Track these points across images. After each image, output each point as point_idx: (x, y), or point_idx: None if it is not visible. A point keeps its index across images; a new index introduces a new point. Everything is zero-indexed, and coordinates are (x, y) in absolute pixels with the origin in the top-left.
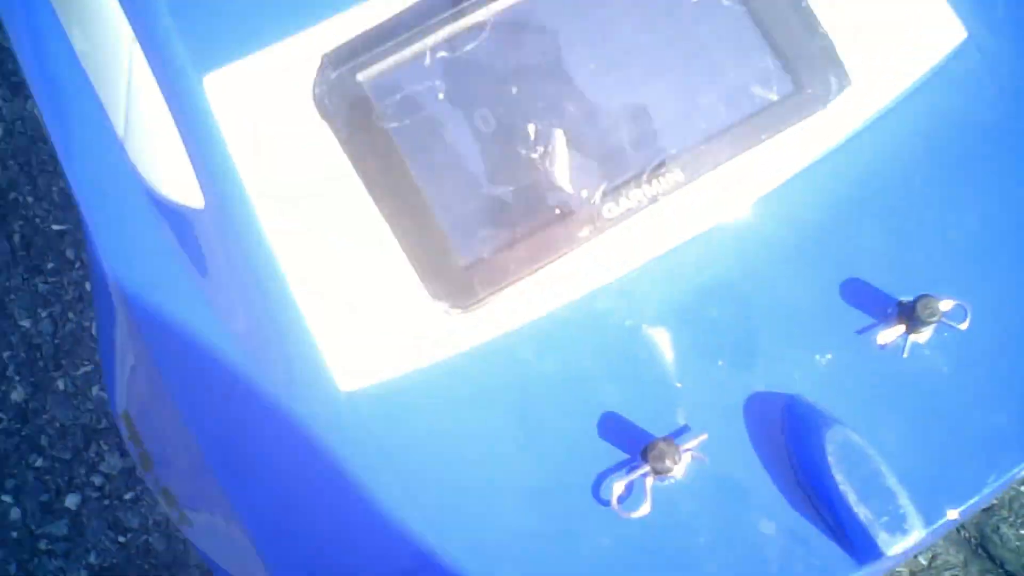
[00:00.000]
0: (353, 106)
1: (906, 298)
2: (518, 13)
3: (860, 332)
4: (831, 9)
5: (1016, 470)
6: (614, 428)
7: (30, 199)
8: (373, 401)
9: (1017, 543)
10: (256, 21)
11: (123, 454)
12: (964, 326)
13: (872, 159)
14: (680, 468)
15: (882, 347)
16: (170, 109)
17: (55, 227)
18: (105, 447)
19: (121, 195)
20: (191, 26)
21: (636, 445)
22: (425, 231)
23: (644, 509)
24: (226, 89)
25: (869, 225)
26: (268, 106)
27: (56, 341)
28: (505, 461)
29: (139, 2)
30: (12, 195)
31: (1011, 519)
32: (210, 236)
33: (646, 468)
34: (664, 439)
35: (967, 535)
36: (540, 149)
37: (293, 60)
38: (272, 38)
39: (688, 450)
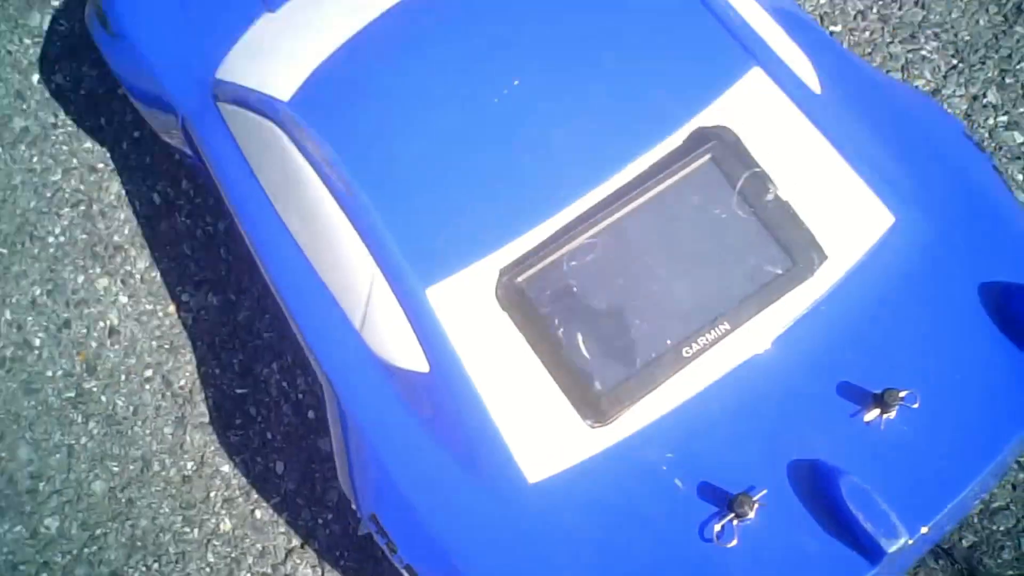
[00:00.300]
0: (519, 299)
1: (877, 391)
2: (615, 234)
3: (852, 415)
4: (802, 206)
5: (964, 492)
6: (708, 489)
7: (217, 370)
8: (549, 489)
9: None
10: (458, 250)
11: None
12: (916, 405)
13: (846, 305)
14: (752, 512)
15: (867, 423)
16: (404, 309)
17: (238, 391)
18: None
19: (360, 366)
20: (418, 259)
21: (723, 499)
22: (572, 375)
23: (733, 541)
24: (442, 295)
25: (849, 347)
26: (469, 302)
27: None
28: (644, 514)
29: (381, 248)
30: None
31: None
32: (433, 390)
33: (732, 515)
34: (743, 494)
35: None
36: (643, 317)
37: (482, 273)
38: (470, 260)
39: (756, 500)
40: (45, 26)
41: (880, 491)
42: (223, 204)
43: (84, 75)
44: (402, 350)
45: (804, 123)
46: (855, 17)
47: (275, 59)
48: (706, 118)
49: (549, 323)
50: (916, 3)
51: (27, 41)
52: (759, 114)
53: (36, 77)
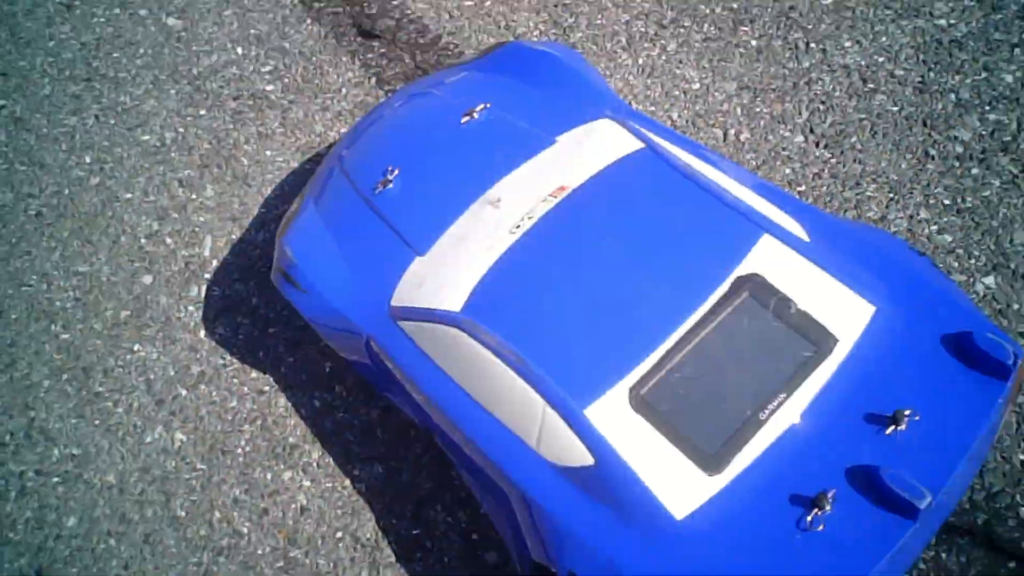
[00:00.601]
0: (645, 404)
1: (890, 413)
2: (699, 350)
3: (877, 431)
4: (815, 311)
5: (958, 469)
6: (793, 498)
7: (393, 520)
8: (690, 521)
9: None
10: (601, 381)
11: None
12: (917, 418)
13: (856, 364)
14: (828, 505)
15: (888, 435)
16: (571, 426)
17: (414, 532)
18: None
19: (541, 472)
20: (575, 392)
21: (807, 501)
22: (690, 445)
23: (821, 526)
24: (595, 412)
25: (864, 389)
26: (613, 412)
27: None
28: (755, 521)
29: (548, 392)
30: None
31: None
32: (600, 475)
33: (816, 509)
34: (820, 493)
35: None
36: (729, 399)
37: (618, 392)
38: (609, 386)
39: (829, 497)
40: (202, 294)
41: (908, 475)
42: (375, 396)
43: (239, 324)
44: (572, 453)
45: (803, 262)
46: (812, 177)
47: (440, 284)
48: (741, 270)
49: (668, 415)
50: (855, 160)
51: (191, 308)
52: (774, 262)
53: (203, 332)
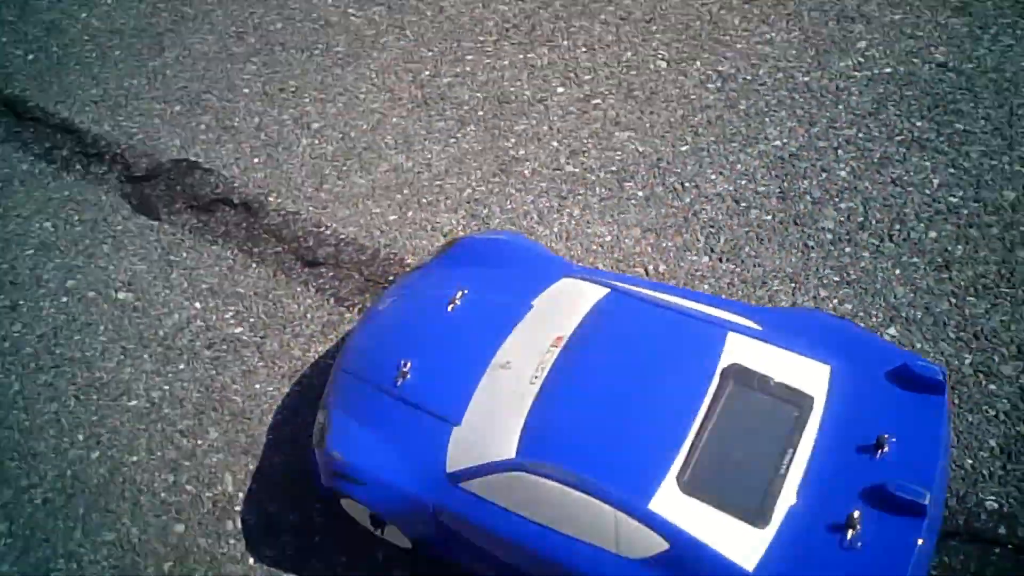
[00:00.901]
0: (691, 485)
1: (872, 442)
2: (714, 434)
3: (869, 459)
4: (789, 380)
5: (939, 464)
6: (826, 525)
7: None
8: (759, 572)
9: None
10: (652, 480)
11: None
12: (894, 440)
13: (832, 413)
14: (859, 524)
15: (876, 459)
16: (643, 522)
17: None
18: None
19: (626, 569)
20: (635, 494)
21: (840, 523)
22: (738, 509)
23: (859, 543)
24: (656, 503)
25: (844, 429)
26: (669, 499)
27: None
28: (803, 553)
29: (619, 501)
30: None
31: None
32: (676, 555)
33: (851, 529)
34: (850, 515)
35: None
36: (752, 466)
37: (669, 483)
38: (660, 481)
39: (857, 517)
40: (239, 526)
41: (906, 482)
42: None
43: (284, 541)
44: (648, 544)
45: (765, 345)
46: (727, 287)
47: (486, 443)
48: (722, 363)
49: (711, 490)
50: (754, 265)
51: (232, 541)
52: (743, 351)
53: (252, 559)
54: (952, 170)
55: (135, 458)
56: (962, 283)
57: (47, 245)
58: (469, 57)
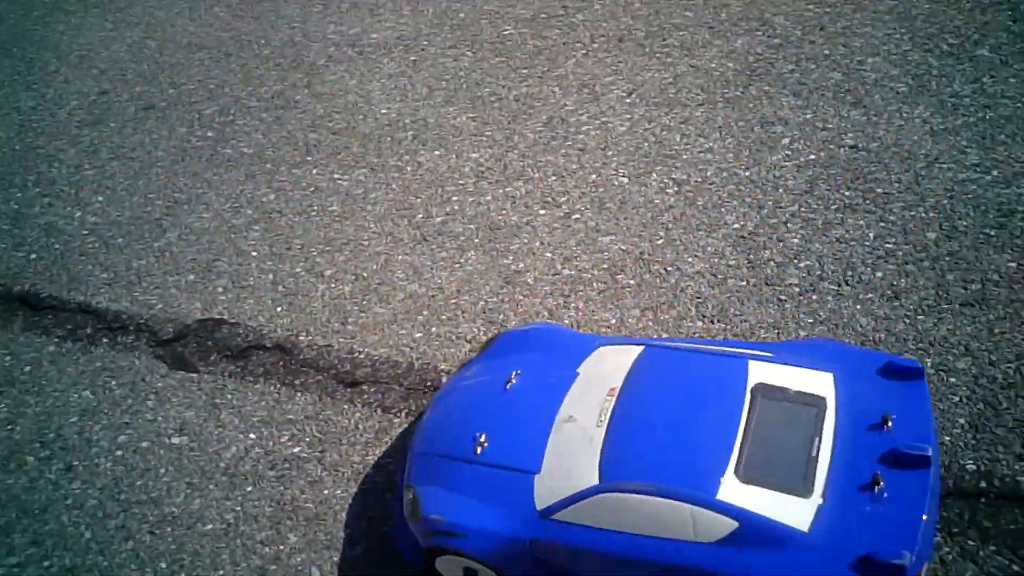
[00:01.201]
0: (746, 475)
1: (878, 421)
2: (757, 427)
3: (880, 437)
4: (805, 388)
5: (934, 455)
6: (854, 484)
7: None
8: (813, 531)
9: None
10: (714, 472)
11: None
12: (894, 421)
13: (844, 411)
14: (882, 480)
15: (883, 432)
16: (714, 510)
17: None
18: None
19: (704, 552)
20: (703, 487)
21: (866, 482)
22: (784, 486)
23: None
24: (724, 492)
25: (858, 423)
26: (736, 488)
27: None
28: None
29: (691, 496)
30: None
31: None
32: (746, 533)
33: (876, 486)
34: (874, 474)
35: None
36: (789, 450)
37: (728, 476)
38: (723, 472)
39: (879, 476)
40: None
41: (912, 442)
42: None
43: None
44: (721, 527)
45: (780, 366)
46: (746, 336)
47: (569, 480)
48: (750, 383)
49: (762, 475)
50: (742, 322)
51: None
52: (764, 373)
53: None
54: (882, 224)
55: (221, 572)
56: (911, 307)
57: (90, 411)
58: (455, 198)
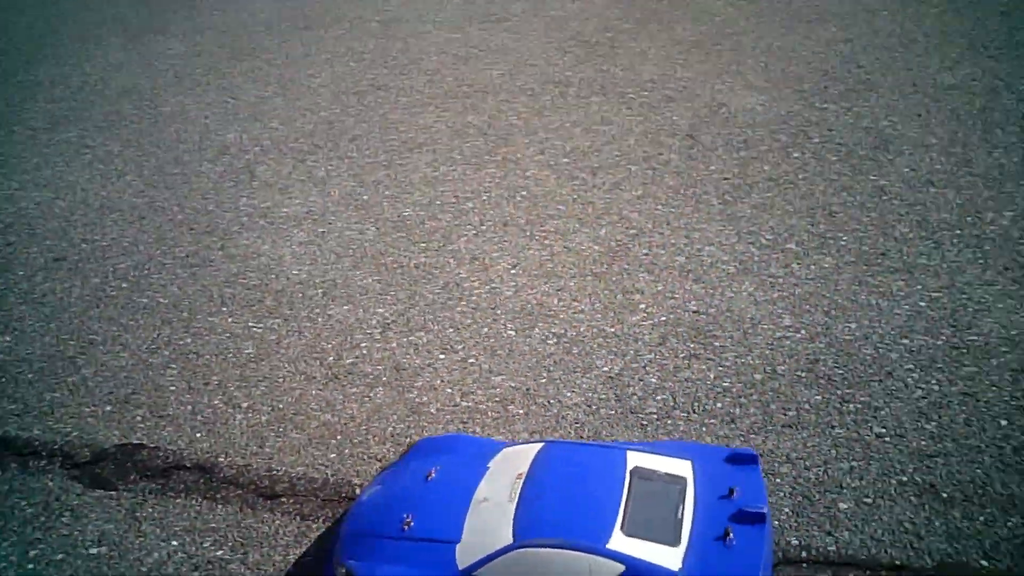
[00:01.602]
0: (628, 530)
1: (725, 493)
2: (636, 494)
3: (725, 502)
4: (667, 471)
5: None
6: (711, 532)
7: None
8: (683, 570)
9: None
10: (605, 529)
11: None
12: (737, 492)
13: (700, 486)
14: (732, 533)
15: (728, 499)
16: (606, 557)
17: None
18: None
19: None
20: (598, 540)
21: (723, 527)
22: (659, 538)
23: (734, 542)
24: (612, 544)
25: (711, 492)
26: (619, 540)
27: None
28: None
29: (589, 547)
30: None
31: None
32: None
33: (727, 537)
34: (726, 528)
35: None
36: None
37: (617, 531)
38: (612, 529)
39: (729, 529)
40: None
41: (752, 502)
42: None
43: None
44: (610, 571)
45: (652, 456)
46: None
47: (485, 543)
48: (629, 467)
49: (641, 531)
50: (623, 435)
51: None
52: (639, 460)
53: None
54: (720, 368)
55: None
56: (744, 428)
57: None
58: (363, 344)
